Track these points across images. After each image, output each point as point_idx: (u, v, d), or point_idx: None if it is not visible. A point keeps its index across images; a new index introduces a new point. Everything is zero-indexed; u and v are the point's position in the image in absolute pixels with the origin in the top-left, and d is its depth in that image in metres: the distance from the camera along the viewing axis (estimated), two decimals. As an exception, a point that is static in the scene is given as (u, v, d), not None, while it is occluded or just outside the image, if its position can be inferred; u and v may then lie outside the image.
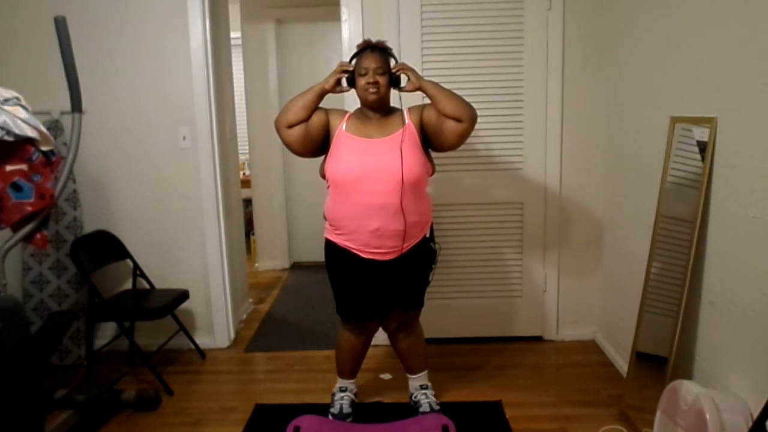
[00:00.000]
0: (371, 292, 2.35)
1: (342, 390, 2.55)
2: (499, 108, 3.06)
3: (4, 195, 2.08)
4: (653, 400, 2.09)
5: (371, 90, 2.23)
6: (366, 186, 2.19)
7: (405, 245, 2.28)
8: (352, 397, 2.56)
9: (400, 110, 2.34)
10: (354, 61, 2.29)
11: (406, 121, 2.28)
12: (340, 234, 2.30)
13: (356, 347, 2.50)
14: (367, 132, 2.27)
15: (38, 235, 2.24)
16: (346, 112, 2.36)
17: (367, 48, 2.28)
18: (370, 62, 2.24)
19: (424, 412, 2.45)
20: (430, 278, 2.43)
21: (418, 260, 2.36)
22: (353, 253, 2.28)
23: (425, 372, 2.58)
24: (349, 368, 2.55)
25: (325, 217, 2.35)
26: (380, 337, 2.80)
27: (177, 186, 3.20)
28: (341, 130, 2.27)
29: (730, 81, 1.92)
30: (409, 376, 2.59)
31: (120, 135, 3.16)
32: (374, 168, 2.19)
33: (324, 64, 4.84)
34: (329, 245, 2.35)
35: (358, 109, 2.35)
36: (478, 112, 3.17)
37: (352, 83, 2.29)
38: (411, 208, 2.23)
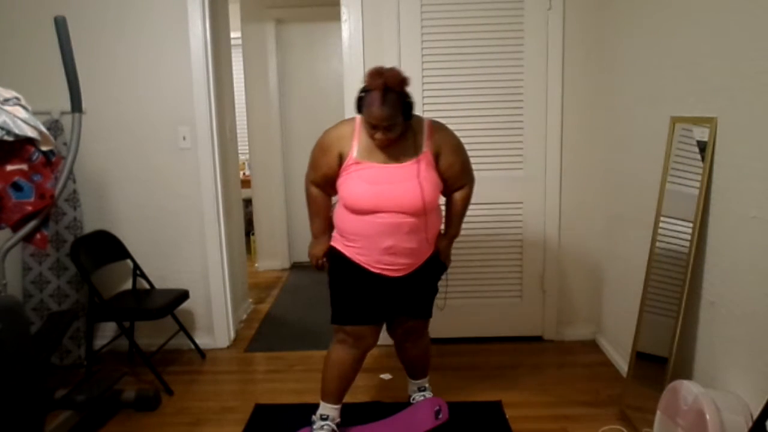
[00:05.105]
0: (376, 301, 2.23)
1: (323, 418, 2.28)
2: (499, 108, 3.06)
3: (4, 195, 2.08)
4: (653, 400, 2.09)
5: (377, 144, 2.08)
6: (382, 214, 2.09)
7: (418, 261, 2.21)
8: (333, 427, 2.29)
9: (418, 123, 2.16)
10: (363, 98, 2.03)
11: (424, 148, 2.12)
12: (350, 245, 2.18)
13: (346, 364, 2.26)
14: (379, 156, 2.11)
15: (38, 235, 2.24)
16: (353, 125, 2.15)
17: (377, 91, 1.97)
18: (380, 117, 1.97)
19: (423, 413, 2.43)
20: (445, 280, 2.40)
21: (429, 271, 2.30)
22: (363, 267, 2.17)
23: (427, 377, 2.57)
24: (335, 389, 2.28)
25: (332, 224, 2.26)
26: (380, 337, 2.79)
27: (177, 186, 3.20)
28: (352, 156, 2.11)
29: (730, 81, 1.92)
30: (410, 380, 2.57)
31: (120, 135, 3.16)
32: (392, 200, 2.08)
33: (324, 64, 4.85)
34: (336, 255, 2.22)
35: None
36: (478, 112, 3.16)
37: (360, 109, 2.05)
38: (426, 226, 2.16)
